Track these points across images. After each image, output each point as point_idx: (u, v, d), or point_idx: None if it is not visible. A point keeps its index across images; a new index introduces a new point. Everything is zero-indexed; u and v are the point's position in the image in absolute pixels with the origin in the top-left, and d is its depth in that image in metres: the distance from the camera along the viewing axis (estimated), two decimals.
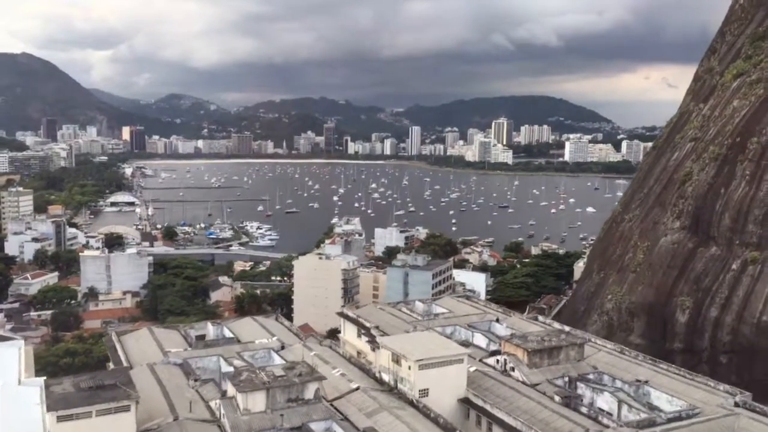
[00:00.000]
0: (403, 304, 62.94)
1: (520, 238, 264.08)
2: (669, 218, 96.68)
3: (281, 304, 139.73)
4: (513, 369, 44.53)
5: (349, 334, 57.47)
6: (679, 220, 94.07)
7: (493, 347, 49.34)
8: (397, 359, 41.27)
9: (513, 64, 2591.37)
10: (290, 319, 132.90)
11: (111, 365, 46.08)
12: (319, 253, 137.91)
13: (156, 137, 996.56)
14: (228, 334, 51.64)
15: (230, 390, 36.88)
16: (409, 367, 40.12)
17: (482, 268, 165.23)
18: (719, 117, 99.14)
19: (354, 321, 56.62)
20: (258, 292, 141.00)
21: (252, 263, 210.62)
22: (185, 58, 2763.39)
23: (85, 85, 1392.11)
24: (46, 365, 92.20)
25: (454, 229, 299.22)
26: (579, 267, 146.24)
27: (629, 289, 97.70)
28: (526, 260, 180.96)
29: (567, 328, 56.73)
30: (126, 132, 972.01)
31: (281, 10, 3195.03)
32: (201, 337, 52.59)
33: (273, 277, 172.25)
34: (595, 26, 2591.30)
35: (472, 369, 44.70)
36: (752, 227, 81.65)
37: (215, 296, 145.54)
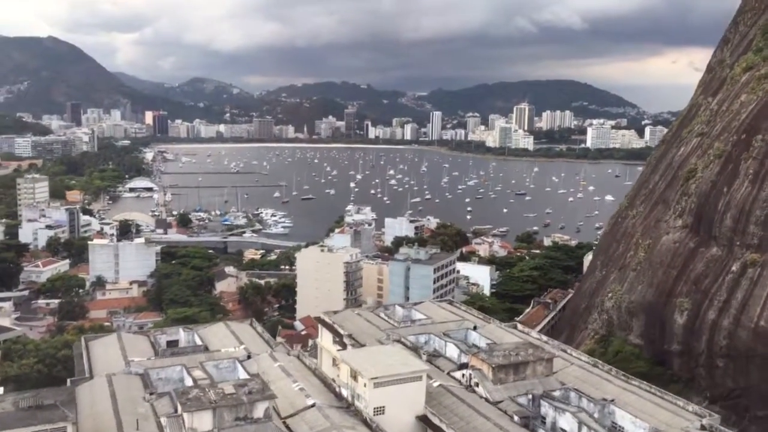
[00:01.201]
0: (382, 309, 62.19)
1: (535, 228, 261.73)
2: (671, 216, 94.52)
3: (286, 295, 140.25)
4: (477, 385, 43.67)
5: (325, 340, 57.00)
6: (681, 218, 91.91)
7: (464, 359, 48.45)
8: (354, 375, 40.69)
9: (537, 48, 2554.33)
10: (294, 310, 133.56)
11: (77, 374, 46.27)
12: (322, 246, 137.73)
13: (179, 121, 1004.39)
14: (198, 341, 51.49)
15: (179, 408, 36.64)
16: (365, 385, 39.51)
17: (490, 260, 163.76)
18: (726, 112, 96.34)
19: (329, 327, 56.11)
20: (263, 283, 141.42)
21: (263, 251, 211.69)
22: (209, 41, 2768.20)
23: (109, 68, 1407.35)
24: (44, 357, 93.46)
25: (468, 217, 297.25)
26: (589, 260, 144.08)
27: (629, 287, 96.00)
28: (537, 252, 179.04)
29: (545, 338, 55.60)
30: (149, 116, 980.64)
31: None
32: (173, 343, 52.51)
33: (282, 267, 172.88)
34: (621, 8, 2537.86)
35: (435, 384, 43.95)
36: (753, 228, 79.32)
37: (220, 287, 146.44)
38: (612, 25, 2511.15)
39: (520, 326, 57.21)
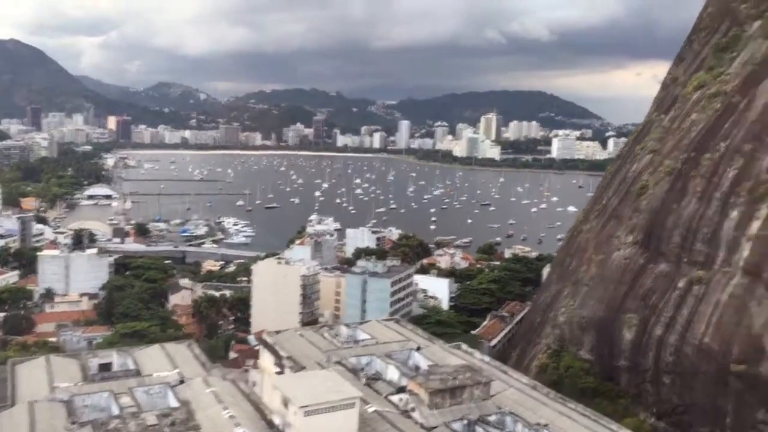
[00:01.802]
0: (326, 329, 61.16)
1: (498, 238, 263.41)
2: (623, 232, 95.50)
3: (242, 308, 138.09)
4: (413, 410, 43.00)
5: (267, 361, 55.79)
6: (632, 234, 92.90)
7: (404, 382, 47.75)
8: (285, 402, 39.67)
9: (506, 58, 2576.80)
10: (248, 324, 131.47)
11: None
12: (279, 258, 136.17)
13: (143, 126, 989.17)
14: (131, 364, 49.80)
15: None
16: (294, 413, 38.52)
17: (450, 272, 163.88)
18: (678, 130, 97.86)
19: (270, 348, 54.95)
20: (218, 295, 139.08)
21: (223, 262, 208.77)
22: (176, 45, 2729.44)
23: (74, 72, 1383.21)
24: None
25: (433, 227, 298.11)
26: (547, 272, 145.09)
27: (582, 303, 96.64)
28: (497, 263, 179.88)
29: (487, 359, 55.31)
30: (112, 121, 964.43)
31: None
32: (105, 366, 50.69)
33: (239, 279, 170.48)
34: (587, 21, 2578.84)
35: (371, 410, 43.11)
36: (700, 246, 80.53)
37: (174, 299, 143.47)
38: (579, 38, 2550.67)
39: (464, 346, 56.84)
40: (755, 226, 73.68)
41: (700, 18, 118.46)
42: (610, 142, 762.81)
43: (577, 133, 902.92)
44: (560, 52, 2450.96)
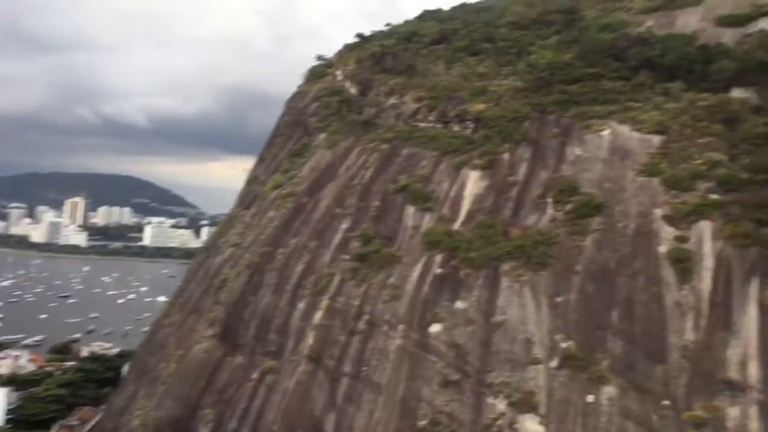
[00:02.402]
0: None
1: (77, 335, 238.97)
2: (203, 325, 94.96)
3: None
4: None
5: None
6: (212, 327, 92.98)
7: None
8: None
9: (99, 139, 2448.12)
10: None
11: None
12: None
13: None
14: None
15: None
16: None
17: (10, 379, 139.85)
18: (257, 225, 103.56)
19: None
20: None
21: None
22: None
23: None
24: None
25: None
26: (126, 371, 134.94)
27: (159, 403, 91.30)
28: (72, 364, 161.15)
29: None
30: None
31: None
32: None
33: None
34: (182, 113, 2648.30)
35: None
36: (273, 336, 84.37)
37: None
38: (174, 127, 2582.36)
39: None
40: (318, 316, 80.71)
41: (279, 124, 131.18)
42: (204, 231, 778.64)
43: (172, 221, 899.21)
44: (156, 139, 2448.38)
